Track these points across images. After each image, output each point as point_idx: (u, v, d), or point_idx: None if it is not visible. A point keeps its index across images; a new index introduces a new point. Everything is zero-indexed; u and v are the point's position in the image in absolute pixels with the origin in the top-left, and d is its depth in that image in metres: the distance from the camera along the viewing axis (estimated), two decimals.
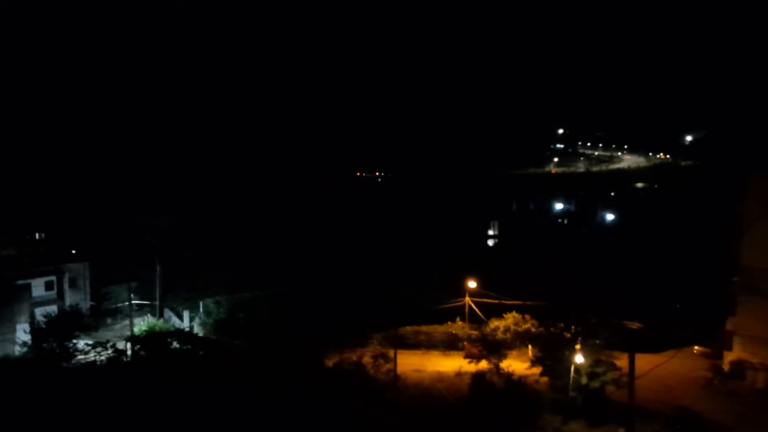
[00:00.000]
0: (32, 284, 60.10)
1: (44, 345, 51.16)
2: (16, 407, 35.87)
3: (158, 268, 64.00)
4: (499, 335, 50.53)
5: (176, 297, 65.71)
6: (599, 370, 36.46)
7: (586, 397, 36.21)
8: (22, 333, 53.91)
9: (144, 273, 64.38)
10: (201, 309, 61.08)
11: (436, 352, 52.56)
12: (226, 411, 32.86)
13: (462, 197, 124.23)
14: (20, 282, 58.38)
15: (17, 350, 52.52)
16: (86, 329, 55.11)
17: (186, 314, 61.40)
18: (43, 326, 52.80)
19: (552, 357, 38.58)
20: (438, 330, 54.99)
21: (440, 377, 44.73)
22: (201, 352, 51.07)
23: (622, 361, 34.65)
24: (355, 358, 43.30)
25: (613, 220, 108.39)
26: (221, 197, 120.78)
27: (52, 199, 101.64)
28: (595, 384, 36.17)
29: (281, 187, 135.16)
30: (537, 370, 40.22)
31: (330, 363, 43.55)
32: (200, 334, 57.66)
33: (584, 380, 36.12)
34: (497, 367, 42.88)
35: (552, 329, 42.76)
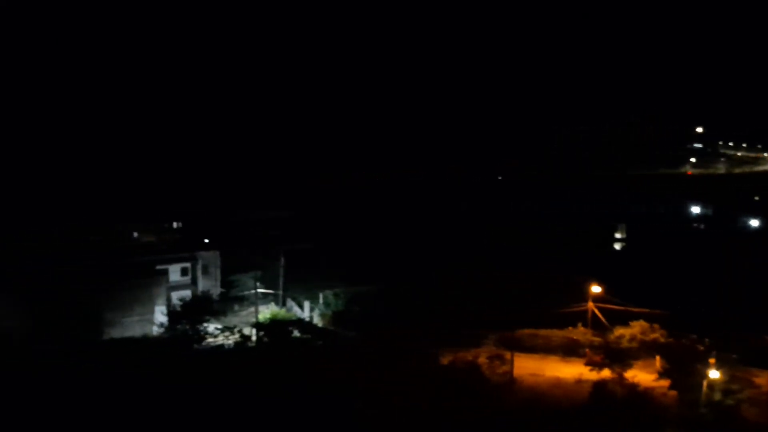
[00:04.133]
0: (169, 270, 64.52)
1: (178, 326, 54.76)
2: (153, 382, 38.70)
3: (281, 259, 66.64)
4: (624, 344, 47.94)
5: (297, 287, 67.90)
6: (735, 386, 33.88)
7: (718, 414, 33.71)
8: (160, 314, 57.88)
9: (267, 263, 67.15)
10: (321, 300, 62.82)
11: (554, 357, 50.83)
12: (343, 402, 33.56)
13: (586, 198, 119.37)
14: (159, 267, 62.81)
15: (155, 330, 56.52)
16: (216, 314, 58.53)
17: (307, 304, 63.40)
18: (178, 309, 56.57)
19: (682, 370, 36.31)
20: (557, 334, 53.14)
21: (558, 383, 43.34)
22: (320, 342, 52.70)
23: (760, 379, 31.91)
24: (470, 357, 42.85)
25: (758, 226, 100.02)
26: (334, 193, 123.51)
27: (187, 192, 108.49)
28: (730, 401, 33.66)
29: (394, 182, 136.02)
30: (664, 382, 38.01)
31: (445, 361, 43.35)
32: (319, 325, 59.29)
33: (718, 397, 33.66)
34: (621, 377, 40.85)
35: (682, 340, 40.21)
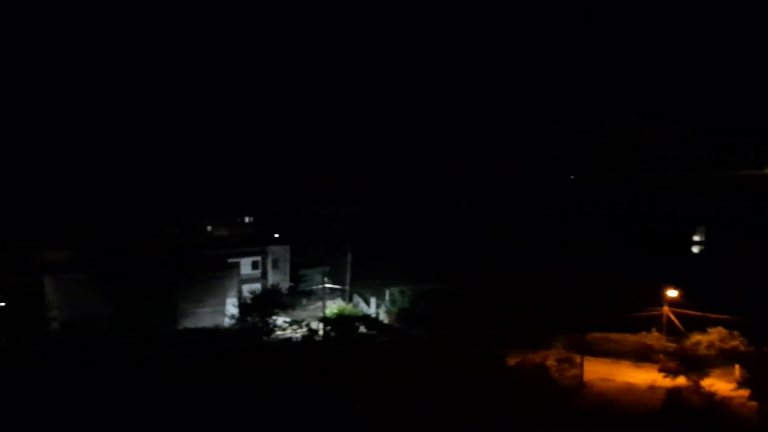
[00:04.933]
0: (241, 263, 66.30)
1: (248, 319, 56.35)
2: (223, 371, 39.91)
3: (348, 255, 67.38)
4: (701, 351, 46.06)
5: (364, 283, 68.43)
6: None
7: None
8: (231, 306, 59.53)
9: (335, 259, 68.00)
10: (387, 297, 63.13)
11: (626, 362, 49.36)
12: (408, 399, 33.64)
13: (664, 199, 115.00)
14: (231, 260, 64.60)
15: (226, 321, 58.22)
16: (285, 307, 59.82)
17: (373, 301, 63.84)
18: (249, 302, 58.15)
19: (763, 379, 34.59)
20: (629, 339, 51.59)
21: (630, 389, 42.13)
22: (385, 339, 53.03)
23: None
24: (538, 360, 42.20)
25: None
26: (399, 190, 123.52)
27: (258, 187, 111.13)
28: None
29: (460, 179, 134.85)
30: (744, 392, 36.35)
31: (512, 362, 42.81)
32: (385, 322, 59.59)
33: None
34: (697, 385, 39.32)
35: (764, 349, 38.34)
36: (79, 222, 73.67)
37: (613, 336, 51.92)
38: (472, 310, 57.63)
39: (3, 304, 54.43)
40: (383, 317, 61.25)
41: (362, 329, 54.56)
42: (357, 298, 66.17)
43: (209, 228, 78.92)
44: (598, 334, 51.77)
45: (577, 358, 42.69)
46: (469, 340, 47.28)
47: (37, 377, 39.03)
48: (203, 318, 57.97)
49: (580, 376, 41.56)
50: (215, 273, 60.76)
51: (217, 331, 54.86)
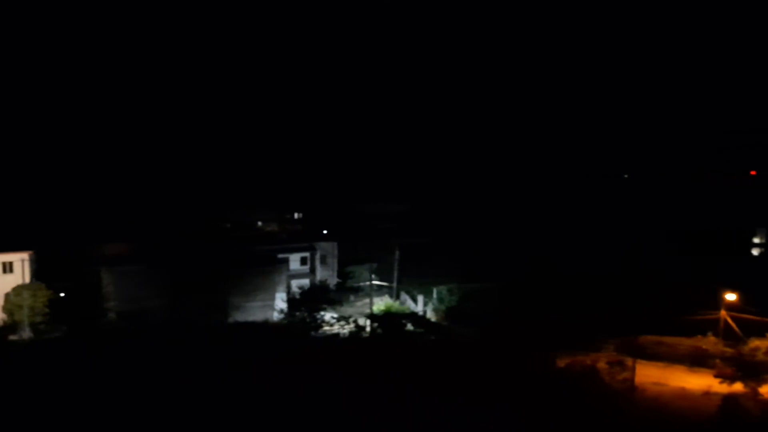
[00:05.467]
0: (290, 258, 67.14)
1: (297, 313, 56.99)
2: (272, 363, 40.56)
3: (397, 252, 67.43)
4: (760, 356, 44.39)
5: (411, 281, 68.38)
6: None
7: None
8: (280, 301, 60.33)
9: (383, 256, 68.13)
10: (434, 295, 62.96)
11: (680, 367, 48.05)
12: (452, 398, 33.53)
13: (720, 201, 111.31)
14: (280, 256, 65.49)
15: (275, 316, 59.07)
16: (332, 303, 60.30)
17: (420, 298, 63.75)
18: (297, 297, 58.82)
19: None
20: (684, 343, 50.16)
21: (683, 394, 41.05)
22: (432, 337, 52.94)
23: None
24: (588, 362, 41.45)
25: None
26: (448, 188, 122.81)
27: (307, 185, 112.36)
28: None
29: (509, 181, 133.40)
30: None
31: (562, 363, 42.19)
32: (432, 319, 59.47)
33: None
34: (755, 391, 38.02)
35: None
36: (136, 217, 76.05)
37: (667, 339, 50.58)
38: (521, 310, 57.03)
39: (63, 294, 56.62)
40: (431, 315, 61.11)
41: (409, 327, 54.60)
42: (404, 296, 66.19)
43: (259, 223, 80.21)
44: (651, 337, 50.52)
45: (629, 361, 41.76)
46: (517, 339, 46.80)
47: (96, 365, 40.45)
48: (253, 312, 58.96)
49: (632, 380, 40.65)
50: (265, 268, 61.67)
51: (266, 325, 55.75)
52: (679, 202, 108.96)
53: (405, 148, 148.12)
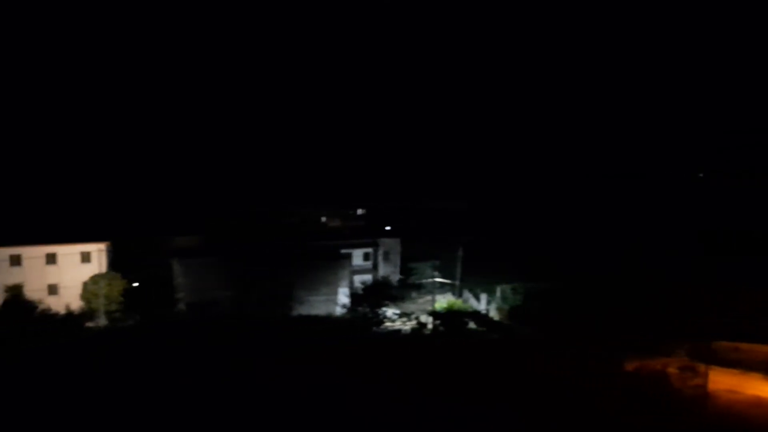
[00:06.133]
0: (353, 254, 67.76)
1: (359, 308, 57.45)
2: (334, 357, 41.01)
3: (460, 249, 66.96)
4: None
5: (474, 279, 67.85)
6: None
7: None
8: (343, 296, 60.98)
9: (445, 253, 67.84)
10: (498, 294, 62.27)
11: (757, 375, 45.76)
12: (521, 398, 33.05)
13: None
14: (344, 251, 66.15)
15: (338, 310, 59.75)
16: (394, 299, 60.45)
17: (483, 297, 63.16)
18: (360, 292, 59.28)
19: None
20: (762, 350, 47.82)
21: (760, 403, 39.11)
22: (495, 336, 52.35)
23: None
24: (659, 366, 40.09)
25: None
26: (511, 186, 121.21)
27: (371, 180, 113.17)
28: None
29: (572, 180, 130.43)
30: None
31: (630, 367, 40.99)
32: (495, 318, 58.84)
33: None
34: None
35: None
36: (206, 211, 78.47)
37: (744, 346, 48.33)
38: (587, 311, 55.74)
39: (137, 284, 58.91)
40: (494, 314, 60.48)
41: (472, 325, 54.19)
42: (467, 294, 65.72)
43: (324, 219, 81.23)
44: (725, 343, 48.38)
45: (702, 367, 40.14)
46: (584, 341, 45.76)
47: (167, 353, 41.92)
48: (317, 306, 59.83)
49: (705, 387, 39.07)
50: (329, 262, 62.42)
51: (329, 319, 56.45)
52: (757, 204, 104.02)
53: (469, 146, 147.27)
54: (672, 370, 39.91)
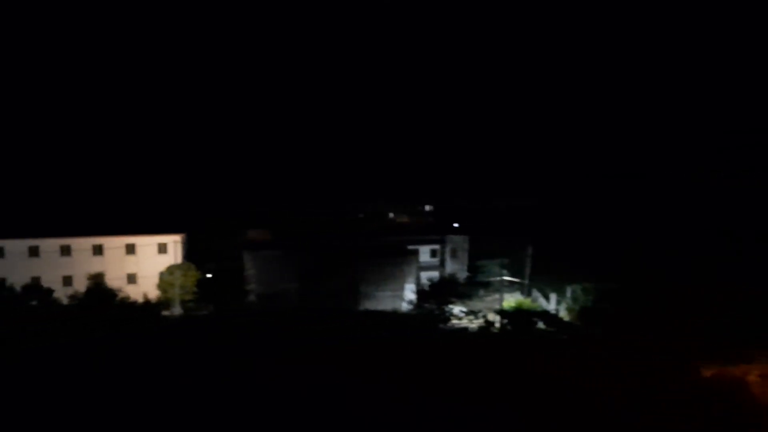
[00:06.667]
0: (420, 250, 67.69)
1: (426, 305, 57.29)
2: (400, 353, 41.05)
3: (529, 248, 65.80)
4: None
5: (544, 278, 66.53)
6: None
7: None
8: (409, 292, 61.00)
9: (514, 251, 66.74)
10: (568, 294, 60.83)
11: None
12: (593, 401, 32.21)
13: None
14: (411, 247, 66.15)
15: (404, 306, 59.80)
16: (461, 297, 59.92)
17: (553, 297, 61.85)
18: (426, 289, 59.12)
19: None
20: None
21: None
22: (564, 337, 51.15)
23: None
24: (738, 373, 38.23)
25: None
26: (583, 184, 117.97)
27: (439, 177, 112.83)
28: None
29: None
30: None
31: (707, 373, 39.27)
32: (565, 319, 57.52)
33: None
34: None
35: None
36: (277, 205, 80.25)
37: None
38: (662, 315, 53.75)
39: (210, 275, 60.78)
40: (563, 314, 59.11)
41: (540, 325, 53.16)
42: (536, 293, 64.55)
43: (391, 215, 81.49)
44: None
45: None
46: (659, 345, 44.15)
47: (237, 343, 43.03)
48: (383, 301, 60.11)
49: None
50: (396, 258, 62.58)
51: (395, 315, 56.59)
52: None
53: (540, 145, 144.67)
54: (753, 377, 37.99)
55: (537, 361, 40.44)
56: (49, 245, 59.76)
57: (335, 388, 33.41)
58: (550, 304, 61.39)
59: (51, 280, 58.04)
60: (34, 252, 59.70)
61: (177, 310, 57.09)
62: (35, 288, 55.17)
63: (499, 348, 45.70)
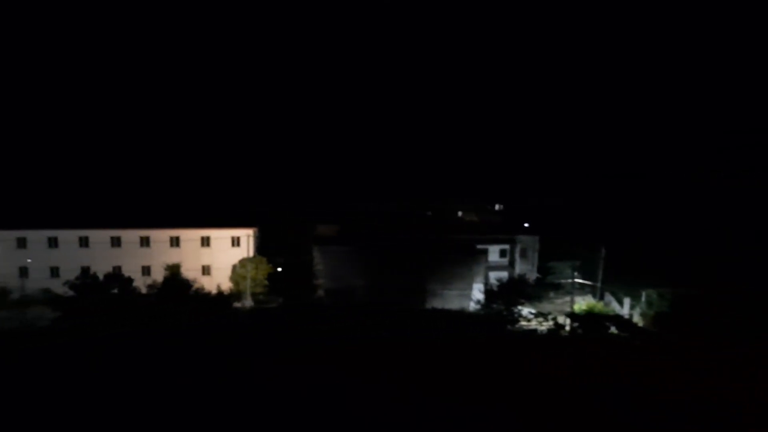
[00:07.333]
0: (489, 250, 66.86)
1: (494, 305, 56.51)
2: (468, 352, 40.62)
3: (602, 250, 63.90)
4: None
5: (617, 282, 64.54)
6: None
7: None
8: (477, 292, 60.33)
9: (586, 253, 64.97)
10: (643, 298, 58.74)
11: None
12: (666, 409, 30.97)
13: None
14: (480, 246, 65.41)
15: (472, 306, 59.18)
16: (530, 298, 58.82)
17: (627, 301, 59.89)
18: (495, 289, 58.30)
19: None
20: None
21: None
22: (638, 342, 49.40)
23: None
24: None
25: None
26: (661, 189, 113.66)
27: (510, 177, 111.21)
28: None
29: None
30: None
31: None
32: (639, 324, 55.56)
33: None
34: None
35: None
36: (348, 203, 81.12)
37: None
38: (742, 322, 51.20)
39: (280, 269, 61.96)
40: (637, 319, 57.15)
41: (613, 329, 51.53)
42: (608, 297, 62.66)
43: (460, 213, 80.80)
44: None
45: None
46: (739, 355, 42.02)
47: (304, 336, 43.59)
48: (450, 300, 59.71)
49: None
50: (464, 257, 62.06)
51: (462, 314, 56.05)
52: None
53: (616, 148, 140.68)
54: None
55: (606, 364, 39.21)
56: (130, 236, 62.36)
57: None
58: (624, 308, 59.45)
59: (131, 269, 60.56)
60: (116, 242, 62.43)
61: (248, 302, 58.46)
62: (116, 276, 57.70)
63: (568, 349, 44.55)
